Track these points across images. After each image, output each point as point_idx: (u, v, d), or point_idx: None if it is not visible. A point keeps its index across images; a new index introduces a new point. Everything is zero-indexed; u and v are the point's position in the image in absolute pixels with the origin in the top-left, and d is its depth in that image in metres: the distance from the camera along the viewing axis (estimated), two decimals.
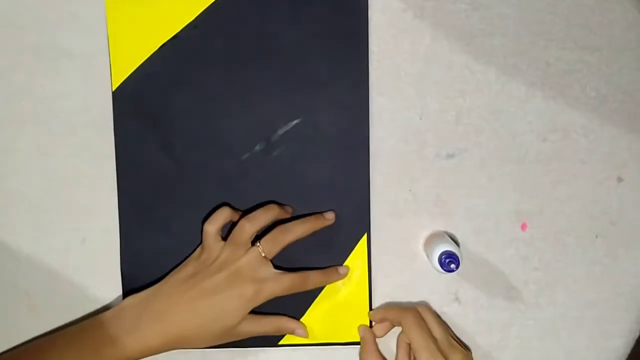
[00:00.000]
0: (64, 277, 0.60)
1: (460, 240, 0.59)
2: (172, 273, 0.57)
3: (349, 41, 0.57)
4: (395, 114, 0.58)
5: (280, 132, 0.58)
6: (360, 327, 0.59)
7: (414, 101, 0.58)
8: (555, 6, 0.57)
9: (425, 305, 0.58)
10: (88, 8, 0.58)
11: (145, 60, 0.58)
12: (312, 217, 0.57)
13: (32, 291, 0.60)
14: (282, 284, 0.55)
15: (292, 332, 0.58)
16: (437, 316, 0.57)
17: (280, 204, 0.58)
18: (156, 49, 0.58)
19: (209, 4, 0.57)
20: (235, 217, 0.57)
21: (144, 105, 0.58)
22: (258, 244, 0.55)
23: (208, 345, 0.55)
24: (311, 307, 0.59)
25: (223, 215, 0.56)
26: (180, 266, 0.57)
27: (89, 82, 0.59)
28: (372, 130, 0.58)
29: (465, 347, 0.58)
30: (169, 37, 0.58)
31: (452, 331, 0.58)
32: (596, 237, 0.59)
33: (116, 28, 0.58)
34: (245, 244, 0.55)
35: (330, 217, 0.58)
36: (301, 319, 0.59)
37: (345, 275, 0.58)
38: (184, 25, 0.58)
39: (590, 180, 0.58)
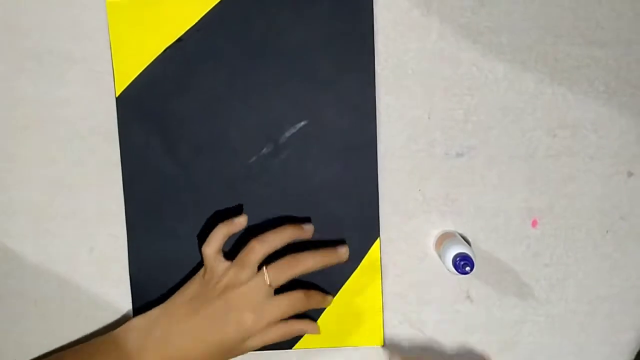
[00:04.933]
0: (72, 285, 0.59)
1: (470, 239, 0.59)
2: (179, 291, 0.56)
3: (354, 40, 0.57)
4: (403, 113, 0.58)
5: (288, 134, 0.58)
6: None
7: (422, 100, 0.58)
8: (562, 1, 0.57)
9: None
10: (90, 13, 0.57)
11: (149, 65, 0.57)
12: (325, 250, 0.55)
13: (41, 300, 0.59)
14: (282, 308, 0.54)
15: (303, 332, 0.56)
16: None
17: (296, 224, 0.56)
18: (159, 53, 0.57)
19: (212, 6, 0.57)
20: (233, 229, 0.55)
21: (148, 110, 0.57)
22: (265, 269, 0.54)
23: None
24: (324, 312, 0.59)
25: (219, 235, 0.55)
26: (187, 283, 0.56)
27: (92, 87, 0.58)
28: (380, 129, 0.58)
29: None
30: (172, 41, 0.57)
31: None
32: (607, 232, 0.59)
33: (118, 33, 0.57)
34: (252, 266, 0.54)
35: (343, 252, 0.56)
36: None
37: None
38: (187, 29, 0.57)
39: (600, 176, 0.58)
